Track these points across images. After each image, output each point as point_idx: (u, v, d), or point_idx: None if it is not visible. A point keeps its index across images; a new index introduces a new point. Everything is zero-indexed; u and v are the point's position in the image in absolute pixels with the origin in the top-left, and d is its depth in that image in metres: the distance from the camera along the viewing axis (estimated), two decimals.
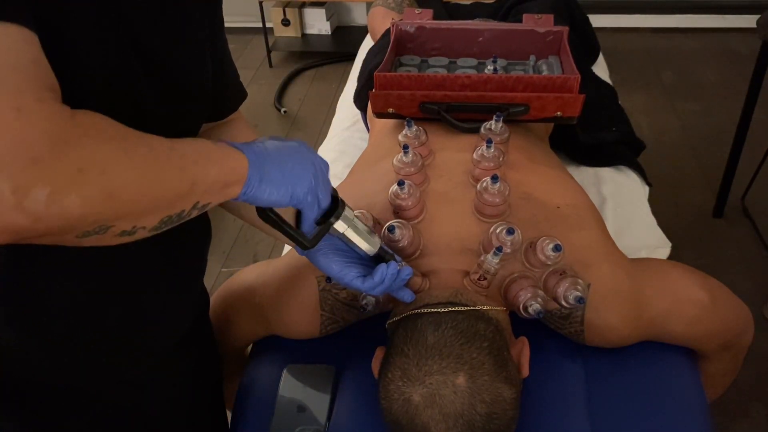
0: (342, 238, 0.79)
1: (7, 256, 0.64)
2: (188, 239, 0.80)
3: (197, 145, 0.59)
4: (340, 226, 0.77)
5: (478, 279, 0.88)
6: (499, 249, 0.85)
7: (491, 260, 0.85)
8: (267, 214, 0.73)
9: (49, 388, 0.74)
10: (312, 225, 0.74)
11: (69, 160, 0.45)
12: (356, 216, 0.79)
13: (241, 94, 0.85)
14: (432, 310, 0.83)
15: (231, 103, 0.85)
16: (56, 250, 0.55)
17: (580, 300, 0.85)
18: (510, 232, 0.87)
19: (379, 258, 0.82)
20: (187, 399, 0.90)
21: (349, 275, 0.81)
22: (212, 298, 1.12)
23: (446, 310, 0.83)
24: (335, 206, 0.76)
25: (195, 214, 0.60)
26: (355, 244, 0.79)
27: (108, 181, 0.48)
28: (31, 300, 0.67)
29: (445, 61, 1.33)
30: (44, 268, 0.65)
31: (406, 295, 0.86)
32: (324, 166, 0.74)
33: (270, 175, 0.65)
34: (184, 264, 0.80)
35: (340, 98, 1.89)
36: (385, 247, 0.84)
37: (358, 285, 0.81)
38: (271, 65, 3.47)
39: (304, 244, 0.75)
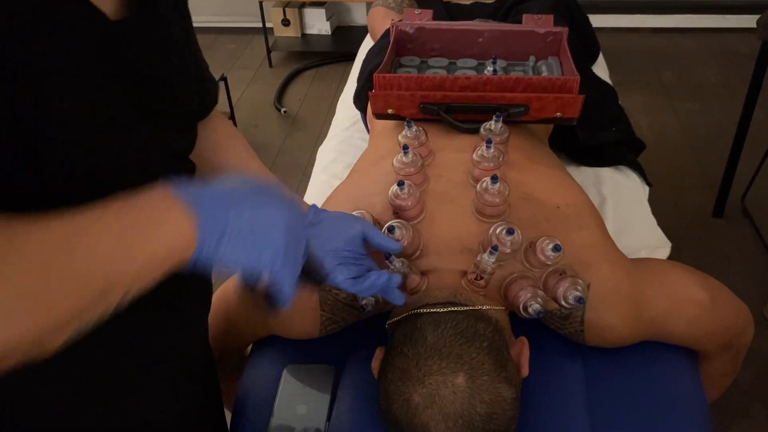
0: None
1: None
2: (186, 319, 0.77)
3: (121, 215, 0.48)
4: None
5: (475, 279, 0.88)
6: (495, 248, 0.85)
7: (487, 259, 0.85)
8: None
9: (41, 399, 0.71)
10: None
11: None
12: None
13: (214, 85, 0.81)
14: (431, 310, 0.83)
15: (211, 97, 0.81)
16: None
17: (580, 300, 0.85)
18: (510, 232, 0.87)
19: None
20: (190, 417, 0.88)
21: (340, 277, 0.77)
22: (212, 298, 1.12)
23: (446, 310, 0.83)
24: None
25: (129, 298, 0.49)
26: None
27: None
28: None
29: (444, 62, 1.33)
30: None
31: (396, 299, 0.83)
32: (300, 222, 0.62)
33: (232, 234, 0.52)
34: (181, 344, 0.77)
35: (340, 98, 1.89)
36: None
37: (347, 287, 0.78)
38: (271, 65, 3.47)
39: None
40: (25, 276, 0.43)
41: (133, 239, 0.48)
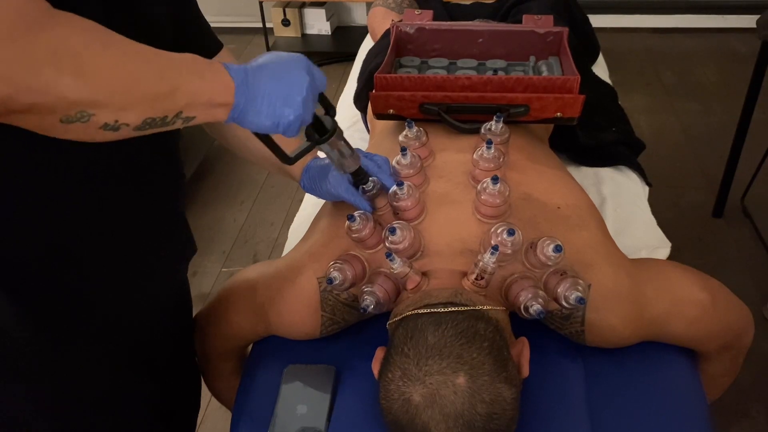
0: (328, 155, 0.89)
1: None
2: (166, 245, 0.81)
3: (187, 59, 0.63)
4: (322, 150, 0.87)
5: (476, 279, 0.88)
6: (495, 248, 0.85)
7: (488, 259, 0.85)
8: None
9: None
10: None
11: (43, 42, 0.51)
12: (344, 141, 0.87)
13: (215, 44, 0.92)
14: (432, 310, 0.83)
15: (211, 46, 0.92)
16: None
17: (580, 300, 0.85)
18: (510, 232, 0.87)
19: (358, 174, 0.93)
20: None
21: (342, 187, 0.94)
22: (213, 298, 1.12)
23: (446, 310, 0.83)
24: (326, 130, 0.83)
25: (179, 124, 0.63)
26: (335, 164, 0.90)
27: (80, 62, 0.53)
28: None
29: (445, 62, 1.33)
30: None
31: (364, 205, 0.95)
32: (321, 82, 0.78)
33: (256, 105, 0.69)
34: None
35: (340, 98, 1.89)
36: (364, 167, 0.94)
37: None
38: None
39: (286, 159, 0.82)
40: (118, 44, 0.57)
41: (194, 71, 0.63)
